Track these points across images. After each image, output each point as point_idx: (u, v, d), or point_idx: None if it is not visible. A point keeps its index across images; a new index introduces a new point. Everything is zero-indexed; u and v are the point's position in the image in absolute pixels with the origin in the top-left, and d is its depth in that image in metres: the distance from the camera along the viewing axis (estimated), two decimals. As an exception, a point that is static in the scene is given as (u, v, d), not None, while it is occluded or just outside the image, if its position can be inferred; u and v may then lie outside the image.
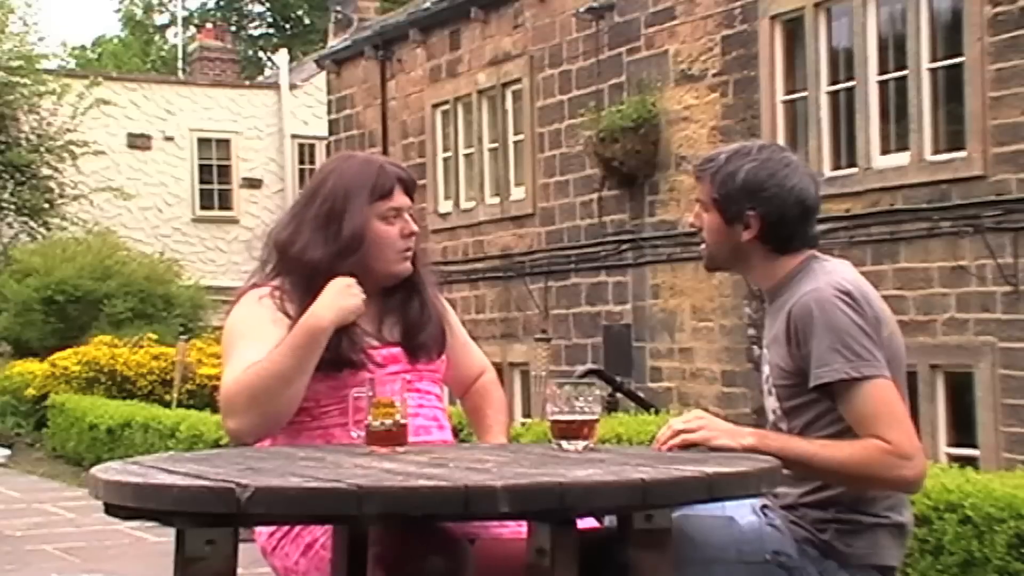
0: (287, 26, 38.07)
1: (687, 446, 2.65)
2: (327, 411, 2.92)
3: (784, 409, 2.78)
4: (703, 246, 2.93)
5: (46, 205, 20.05)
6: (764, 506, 2.77)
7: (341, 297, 2.88)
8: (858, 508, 2.71)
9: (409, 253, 3.04)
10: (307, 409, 2.91)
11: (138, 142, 22.59)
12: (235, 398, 2.81)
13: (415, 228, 3.05)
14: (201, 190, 23.02)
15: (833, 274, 2.76)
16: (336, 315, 2.85)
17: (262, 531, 2.89)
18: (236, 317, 2.99)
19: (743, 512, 2.72)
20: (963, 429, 9.29)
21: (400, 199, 3.03)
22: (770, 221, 2.80)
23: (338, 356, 2.90)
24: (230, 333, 2.97)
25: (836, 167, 10.48)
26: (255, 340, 2.87)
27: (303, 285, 2.94)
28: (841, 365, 2.63)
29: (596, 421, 2.62)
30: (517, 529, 2.67)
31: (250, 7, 38.67)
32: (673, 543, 2.35)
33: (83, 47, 39.55)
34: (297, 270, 2.98)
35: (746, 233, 2.81)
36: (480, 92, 14.74)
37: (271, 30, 38.75)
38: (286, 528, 2.84)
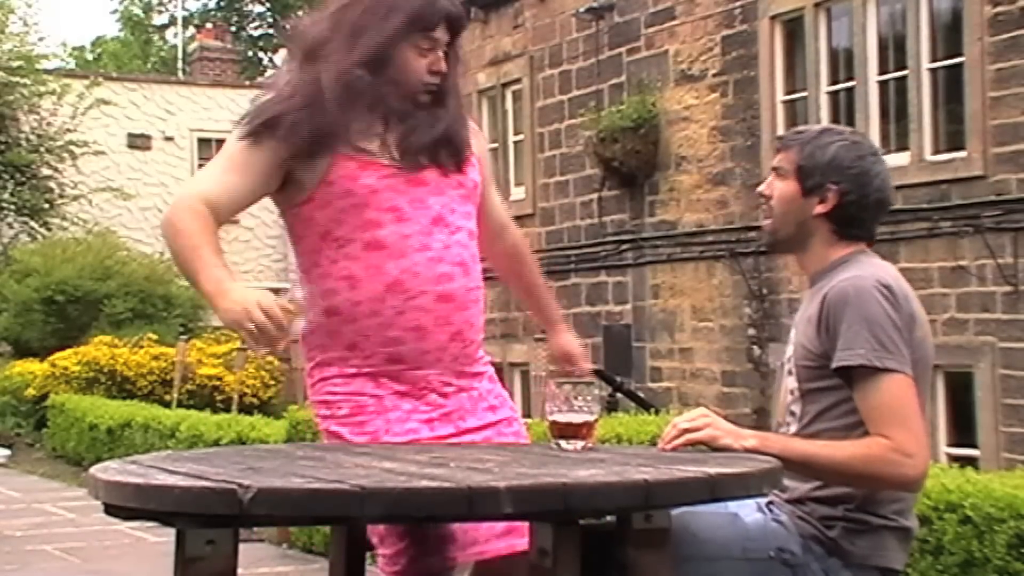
0: (287, 26, 38.04)
1: (690, 444, 2.65)
2: (351, 240, 2.80)
3: (802, 391, 2.78)
4: (767, 221, 2.90)
5: (46, 205, 20.04)
6: (770, 502, 2.77)
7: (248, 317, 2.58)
8: (867, 508, 2.71)
9: (430, 93, 2.87)
10: (331, 234, 2.81)
11: (138, 142, 22.58)
12: (165, 228, 2.80)
13: (444, 68, 2.88)
14: (201, 190, 23.01)
15: (877, 268, 2.77)
16: (230, 313, 2.62)
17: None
18: (236, 135, 2.94)
19: (748, 509, 2.72)
20: (963, 429, 9.29)
21: (440, 34, 2.87)
22: (846, 200, 2.80)
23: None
24: (229, 142, 2.94)
25: (836, 167, 10.48)
26: (225, 166, 2.88)
27: (329, 94, 2.78)
28: (866, 352, 2.63)
29: (595, 421, 2.62)
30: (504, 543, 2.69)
31: (250, 7, 38.66)
32: (672, 543, 2.35)
33: (80, 47, 39.57)
34: (317, 71, 2.82)
35: (820, 207, 2.82)
36: (480, 92, 14.73)
37: (271, 30, 38.74)
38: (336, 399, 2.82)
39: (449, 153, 2.89)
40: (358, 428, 2.79)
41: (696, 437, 2.64)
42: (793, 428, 2.80)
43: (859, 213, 2.83)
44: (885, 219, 2.93)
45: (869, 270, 2.74)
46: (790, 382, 2.83)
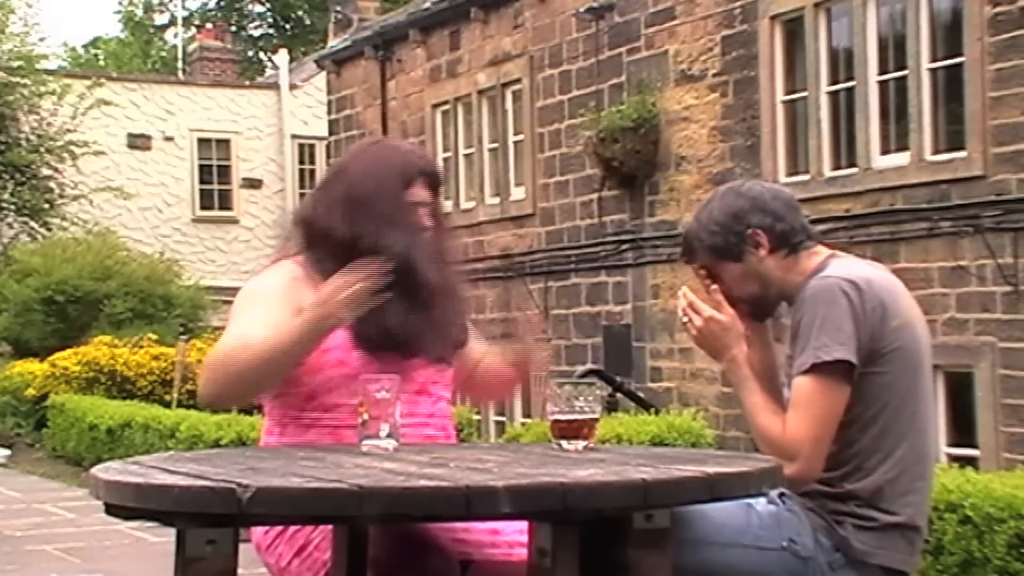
0: (287, 26, 38.07)
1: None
2: (339, 406, 2.88)
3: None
4: (743, 309, 2.92)
5: (46, 205, 20.04)
6: (782, 493, 2.79)
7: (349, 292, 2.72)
8: (876, 505, 2.73)
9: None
10: (317, 398, 2.90)
11: (138, 142, 22.58)
12: (224, 365, 2.77)
13: (427, 224, 2.98)
14: (201, 190, 23.01)
15: (846, 267, 2.81)
16: (349, 311, 2.72)
17: (257, 527, 2.89)
18: (252, 284, 2.99)
19: (761, 499, 2.74)
20: (963, 429, 9.29)
21: (418, 193, 2.97)
22: (767, 227, 2.85)
23: (360, 336, 2.87)
24: (241, 297, 2.95)
25: (836, 167, 10.48)
26: (259, 313, 2.84)
27: (327, 262, 2.88)
28: (812, 350, 2.69)
29: (596, 421, 2.63)
30: (508, 551, 2.69)
31: (250, 7, 38.66)
32: (673, 541, 2.36)
33: (74, 49, 39.56)
34: (322, 246, 2.95)
35: (761, 251, 2.86)
36: (480, 92, 14.74)
37: (271, 30, 38.74)
38: (280, 527, 2.84)
39: (441, 347, 3.01)
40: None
41: (690, 330, 2.91)
42: None
43: (783, 225, 2.86)
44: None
45: (836, 271, 2.78)
46: (786, 392, 2.88)
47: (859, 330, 2.69)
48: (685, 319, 2.91)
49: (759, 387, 2.82)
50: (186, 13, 37.02)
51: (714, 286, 2.92)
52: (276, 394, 2.96)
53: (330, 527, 2.73)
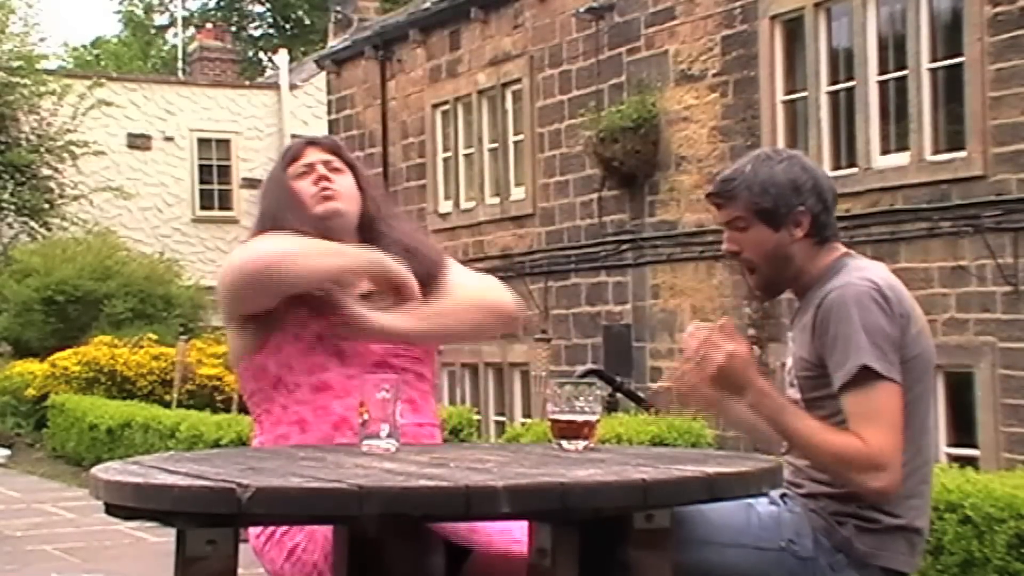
0: (287, 26, 38.07)
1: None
2: (300, 386, 2.94)
3: (805, 400, 2.79)
4: (752, 276, 2.88)
5: (46, 205, 20.05)
6: (784, 494, 2.78)
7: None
8: (879, 507, 2.72)
9: (327, 195, 3.07)
10: (282, 382, 2.95)
11: (138, 142, 22.59)
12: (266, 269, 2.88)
13: (323, 172, 3.10)
14: (201, 190, 23.02)
15: (866, 271, 2.78)
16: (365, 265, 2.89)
17: (252, 532, 2.90)
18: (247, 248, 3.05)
19: (762, 500, 2.73)
20: (963, 429, 9.29)
21: (310, 156, 3.13)
22: (816, 213, 2.82)
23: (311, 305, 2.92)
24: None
25: (836, 167, 10.47)
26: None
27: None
28: (867, 357, 2.64)
29: (596, 421, 2.62)
30: (508, 542, 2.68)
31: (250, 7, 38.66)
32: (675, 539, 2.36)
33: (75, 48, 39.57)
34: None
35: (798, 231, 2.82)
36: (480, 92, 14.74)
37: (271, 30, 38.75)
38: (270, 531, 2.85)
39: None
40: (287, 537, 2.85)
41: (707, 369, 2.71)
42: None
43: (828, 217, 2.85)
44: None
45: (858, 275, 2.75)
46: (792, 393, 2.85)
47: (892, 339, 2.67)
48: (699, 358, 2.73)
49: (799, 409, 2.76)
50: (186, 13, 37.06)
51: (724, 319, 2.86)
52: (251, 391, 3.04)
53: (316, 529, 2.73)
